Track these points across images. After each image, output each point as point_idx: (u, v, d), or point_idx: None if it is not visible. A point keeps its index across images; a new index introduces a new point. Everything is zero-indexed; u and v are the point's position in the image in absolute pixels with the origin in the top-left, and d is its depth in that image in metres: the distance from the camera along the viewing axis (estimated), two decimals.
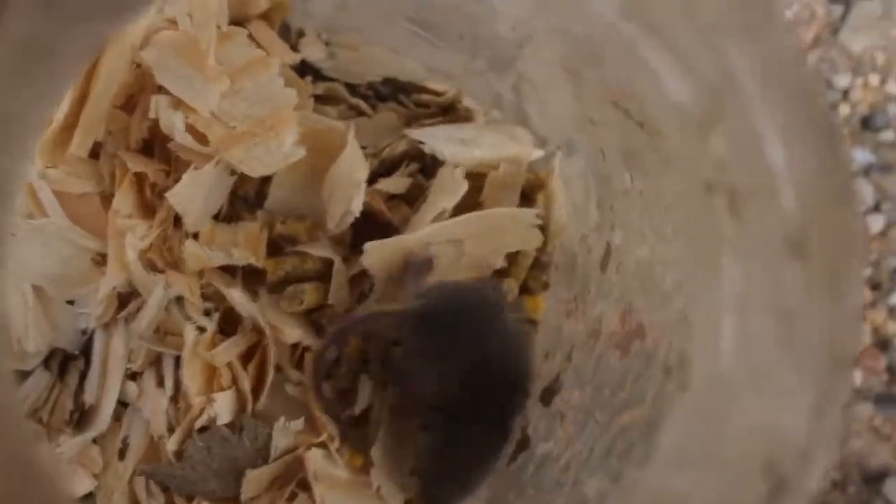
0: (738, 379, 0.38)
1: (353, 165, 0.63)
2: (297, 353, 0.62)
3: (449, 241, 0.63)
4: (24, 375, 0.61)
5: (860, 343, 0.81)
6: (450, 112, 0.69)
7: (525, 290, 0.66)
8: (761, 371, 0.37)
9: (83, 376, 0.62)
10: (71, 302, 0.62)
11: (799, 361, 0.36)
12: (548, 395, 0.63)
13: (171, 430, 0.61)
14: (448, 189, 0.64)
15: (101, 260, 0.61)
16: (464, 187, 0.64)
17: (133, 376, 0.62)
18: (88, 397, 0.61)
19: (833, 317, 0.36)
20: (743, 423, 0.37)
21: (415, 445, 0.60)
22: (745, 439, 0.37)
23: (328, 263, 0.63)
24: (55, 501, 0.34)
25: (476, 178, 0.65)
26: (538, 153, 0.66)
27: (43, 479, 0.35)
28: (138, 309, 0.61)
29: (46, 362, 0.62)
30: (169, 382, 0.61)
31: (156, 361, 0.62)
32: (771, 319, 0.37)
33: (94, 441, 0.61)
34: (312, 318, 0.63)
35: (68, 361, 0.63)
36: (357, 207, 0.62)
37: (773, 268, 0.37)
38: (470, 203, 0.65)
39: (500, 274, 0.66)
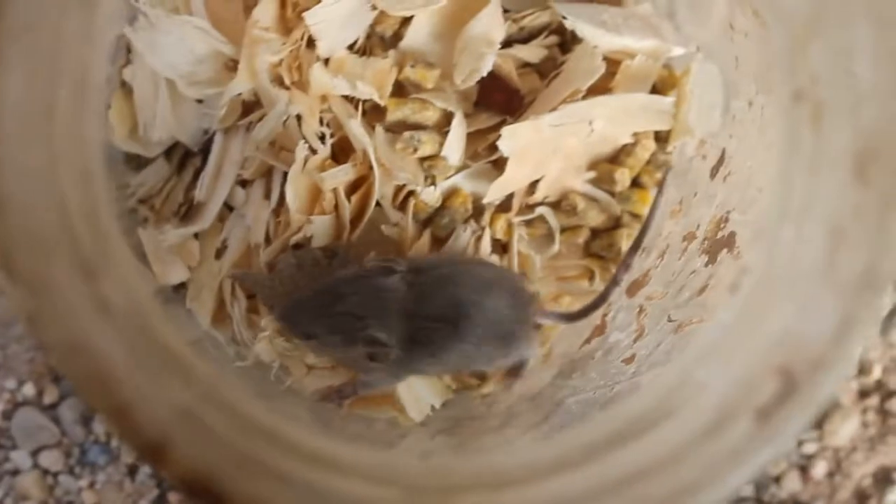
0: (781, 286, 0.39)
1: (490, 24, 0.63)
2: (400, 195, 0.64)
3: (580, 122, 0.63)
4: (144, 162, 0.64)
5: None
6: None
7: (636, 184, 0.66)
8: (801, 282, 0.39)
9: (197, 174, 0.64)
10: (199, 102, 0.64)
11: (836, 281, 0.38)
12: (634, 288, 0.63)
13: (268, 241, 0.63)
14: (585, 69, 0.64)
15: (232, 66, 0.63)
16: (601, 69, 0.63)
17: (243, 183, 0.64)
18: (199, 194, 0.63)
19: (876, 244, 0.38)
20: (773, 327, 0.39)
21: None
22: (770, 341, 0.39)
23: (448, 116, 0.63)
24: None
25: (610, 64, 0.64)
26: (678, 51, 0.65)
27: None
28: (259, 119, 0.63)
29: (168, 154, 0.65)
30: (275, 195, 0.63)
31: (266, 173, 0.64)
32: (822, 235, 0.39)
33: (196, 236, 0.64)
34: (423, 167, 0.64)
35: (187, 158, 0.65)
36: (486, 66, 0.62)
37: (836, 186, 0.38)
38: (600, 87, 0.64)
39: (615, 162, 0.66)
